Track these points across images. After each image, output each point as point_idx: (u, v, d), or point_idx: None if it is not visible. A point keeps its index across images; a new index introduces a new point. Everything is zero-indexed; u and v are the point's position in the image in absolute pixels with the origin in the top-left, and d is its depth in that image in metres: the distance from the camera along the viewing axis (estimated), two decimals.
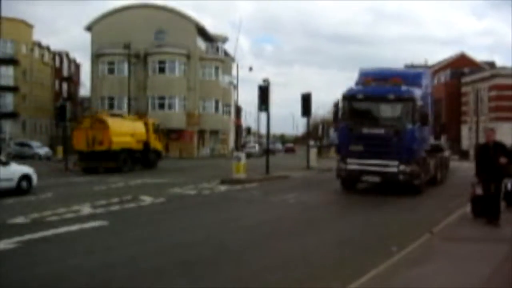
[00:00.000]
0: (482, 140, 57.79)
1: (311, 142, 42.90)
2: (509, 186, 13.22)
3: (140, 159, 33.69)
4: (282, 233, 11.93)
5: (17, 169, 19.90)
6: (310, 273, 8.23)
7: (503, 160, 11.37)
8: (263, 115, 35.51)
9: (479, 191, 12.04)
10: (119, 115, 38.49)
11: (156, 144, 36.33)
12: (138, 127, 34.75)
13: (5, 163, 19.48)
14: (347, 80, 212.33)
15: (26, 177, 19.68)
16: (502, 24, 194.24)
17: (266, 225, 13.07)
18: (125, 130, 32.60)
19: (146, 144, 34.50)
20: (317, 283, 7.60)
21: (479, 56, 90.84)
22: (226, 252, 9.80)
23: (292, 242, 10.70)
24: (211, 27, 63.81)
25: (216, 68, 62.04)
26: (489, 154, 11.66)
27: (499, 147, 11.84)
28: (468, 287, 6.96)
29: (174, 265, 8.71)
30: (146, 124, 35.67)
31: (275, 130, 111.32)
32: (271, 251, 9.88)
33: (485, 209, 11.76)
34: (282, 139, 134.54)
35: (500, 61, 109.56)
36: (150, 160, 34.65)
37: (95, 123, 31.14)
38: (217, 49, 65.12)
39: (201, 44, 62.49)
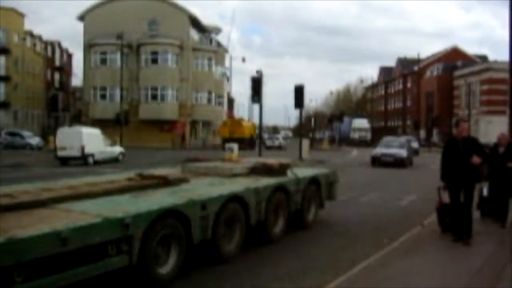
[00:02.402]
0: (477, 133, 58.51)
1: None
2: (484, 191, 10.94)
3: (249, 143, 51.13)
4: (410, 172, 12.09)
5: None
6: (303, 265, 8.28)
7: (475, 159, 8.93)
8: (255, 107, 35.70)
9: (446, 199, 9.61)
10: (242, 119, 61.94)
11: (254, 135, 55.57)
12: (249, 126, 58.48)
13: None
14: (337, 72, 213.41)
15: None
16: (491, 17, 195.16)
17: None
18: (246, 127, 55.92)
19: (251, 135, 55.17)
20: (309, 275, 7.65)
21: (468, 49, 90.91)
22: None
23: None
24: (201, 19, 63.26)
25: (209, 59, 61.92)
26: (458, 151, 9.11)
27: (470, 143, 9.28)
28: (458, 278, 7.04)
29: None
30: (252, 124, 59.53)
31: (267, 121, 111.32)
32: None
33: (454, 222, 9.29)
34: (275, 130, 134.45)
35: (488, 54, 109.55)
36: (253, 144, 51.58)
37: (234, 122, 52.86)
38: (210, 40, 65.01)
39: (194, 35, 62.33)
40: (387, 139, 37.64)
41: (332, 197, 12.23)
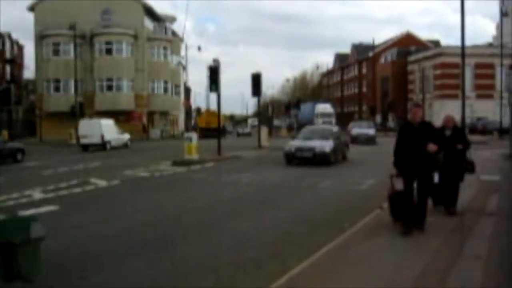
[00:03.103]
0: (432, 117, 59.64)
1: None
2: (435, 178, 10.03)
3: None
4: (236, 212, 12.01)
5: None
6: (266, 251, 8.32)
7: (432, 147, 8.56)
8: (212, 95, 35.65)
9: (399, 186, 9.10)
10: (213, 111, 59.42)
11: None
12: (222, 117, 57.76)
13: None
14: (292, 60, 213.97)
15: None
16: (441, 2, 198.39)
17: (220, 205, 13.13)
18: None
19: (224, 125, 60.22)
20: (273, 261, 7.70)
21: (420, 34, 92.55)
22: (181, 233, 9.82)
23: (247, 221, 10.80)
24: (155, 8, 62.44)
25: (165, 49, 61.32)
26: (413, 137, 8.69)
27: (426, 128, 8.86)
28: (419, 259, 7.20)
29: (130, 247, 8.70)
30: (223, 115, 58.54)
31: (225, 110, 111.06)
32: (226, 231, 9.95)
33: (407, 211, 8.75)
34: (232, 119, 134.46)
35: (440, 39, 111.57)
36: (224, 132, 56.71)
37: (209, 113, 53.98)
38: (165, 29, 64.30)
39: (149, 24, 61.55)
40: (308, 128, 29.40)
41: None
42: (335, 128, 28.60)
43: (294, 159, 23.12)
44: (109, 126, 38.78)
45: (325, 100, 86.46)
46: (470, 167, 10.65)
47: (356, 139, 40.08)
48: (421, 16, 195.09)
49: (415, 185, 8.77)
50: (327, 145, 22.89)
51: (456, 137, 10.37)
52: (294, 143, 23.98)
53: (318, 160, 22.43)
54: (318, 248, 7.91)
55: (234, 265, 7.52)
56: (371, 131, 42.71)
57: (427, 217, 8.96)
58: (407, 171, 8.75)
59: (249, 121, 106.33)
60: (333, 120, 70.65)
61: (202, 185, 17.21)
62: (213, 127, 49.15)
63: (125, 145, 40.00)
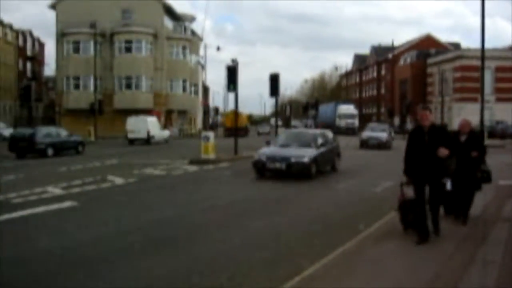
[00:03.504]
0: (450, 120, 59.21)
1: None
2: (448, 185, 9.36)
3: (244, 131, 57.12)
4: (252, 212, 12.08)
5: None
6: (279, 251, 8.38)
7: (443, 151, 8.09)
8: (230, 95, 35.85)
9: (409, 194, 8.73)
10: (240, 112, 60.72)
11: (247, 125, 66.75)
12: (244, 117, 65.34)
13: None
14: (310, 60, 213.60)
15: None
16: (461, 4, 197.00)
17: (237, 204, 13.21)
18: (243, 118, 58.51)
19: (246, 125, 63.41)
20: (286, 261, 7.75)
21: (440, 36, 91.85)
22: (197, 231, 9.91)
23: (262, 221, 10.86)
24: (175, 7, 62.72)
25: (184, 48, 61.55)
26: (423, 142, 8.25)
27: (436, 133, 8.37)
28: (432, 263, 7.20)
29: (145, 244, 8.80)
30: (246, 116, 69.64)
31: (243, 109, 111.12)
32: (242, 230, 10.02)
33: (419, 220, 8.38)
34: (250, 119, 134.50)
35: (460, 41, 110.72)
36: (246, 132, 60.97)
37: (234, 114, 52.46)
38: (184, 28, 64.56)
39: (168, 23, 61.85)
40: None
41: None
42: (324, 132, 22.58)
43: (266, 170, 18.52)
44: (153, 123, 43.85)
45: (348, 101, 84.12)
46: (485, 176, 10.00)
47: (365, 143, 37.94)
48: (440, 18, 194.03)
49: (427, 191, 8.40)
50: (307, 154, 18.29)
51: (472, 143, 9.78)
52: (266, 151, 19.26)
53: (295, 172, 17.92)
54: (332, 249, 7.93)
55: (247, 265, 7.59)
56: (383, 135, 38.70)
57: (440, 224, 8.67)
58: (417, 177, 8.36)
59: (271, 120, 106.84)
60: (356, 121, 68.65)
61: (218, 185, 17.31)
62: (238, 127, 50.72)
63: (166, 141, 44.60)
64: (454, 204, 9.83)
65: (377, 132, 39.65)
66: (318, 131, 23.72)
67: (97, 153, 31.49)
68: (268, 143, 21.17)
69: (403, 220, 9.00)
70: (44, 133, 30.19)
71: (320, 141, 19.94)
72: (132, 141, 41.74)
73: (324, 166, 19.77)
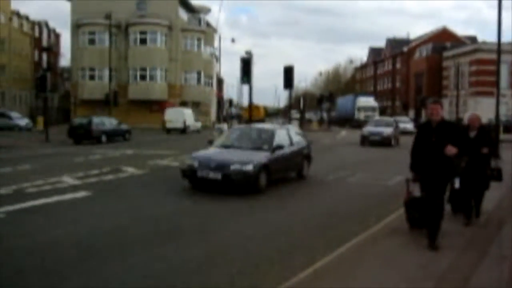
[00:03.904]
0: (465, 115, 58.68)
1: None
2: (456, 184, 8.51)
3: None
4: (258, 207, 12.10)
5: None
6: (291, 245, 8.42)
7: (450, 149, 7.47)
8: (245, 87, 35.95)
9: (416, 192, 8.40)
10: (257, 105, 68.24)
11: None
12: (262, 109, 69.34)
13: None
14: (324, 52, 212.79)
15: None
16: None
17: (241, 197, 13.09)
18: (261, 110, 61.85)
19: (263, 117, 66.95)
20: (299, 252, 7.79)
21: (456, 29, 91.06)
22: (212, 221, 9.99)
23: (277, 212, 10.90)
24: None
25: (198, 40, 61.56)
26: (430, 139, 7.71)
27: (446, 129, 7.76)
28: (443, 258, 7.20)
29: (160, 234, 8.87)
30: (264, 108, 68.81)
31: (257, 102, 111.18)
32: (256, 222, 10.09)
33: (424, 218, 8.00)
34: (266, 112, 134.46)
35: (476, 34, 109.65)
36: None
37: (253, 107, 51.88)
38: (199, 20, 64.58)
39: (183, 15, 61.89)
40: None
41: None
42: (288, 129, 17.54)
43: (198, 181, 13.73)
44: (189, 114, 48.14)
45: (368, 93, 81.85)
46: (496, 174, 9.65)
47: (366, 140, 33.42)
48: (456, 11, 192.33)
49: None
50: (254, 160, 13.62)
51: (482, 139, 9.34)
52: (200, 154, 14.66)
53: (236, 184, 13.23)
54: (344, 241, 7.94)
55: (259, 255, 7.63)
56: (387, 130, 33.81)
57: (441, 228, 7.83)
58: (424, 175, 7.88)
59: (292, 113, 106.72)
60: (377, 114, 64.68)
61: None
62: (256, 119, 52.77)
63: (198, 131, 47.88)
64: (462, 202, 9.40)
65: (381, 127, 34.78)
66: (278, 127, 17.92)
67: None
68: (210, 143, 17.28)
69: (409, 218, 8.72)
70: (99, 122, 33.72)
71: (278, 141, 15.26)
72: (169, 131, 45.57)
73: (283, 173, 15.55)
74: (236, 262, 7.29)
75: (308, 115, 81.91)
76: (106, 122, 34.65)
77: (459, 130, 8.00)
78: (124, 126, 36.22)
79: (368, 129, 34.86)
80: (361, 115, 65.71)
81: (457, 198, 9.39)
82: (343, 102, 73.88)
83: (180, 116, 46.52)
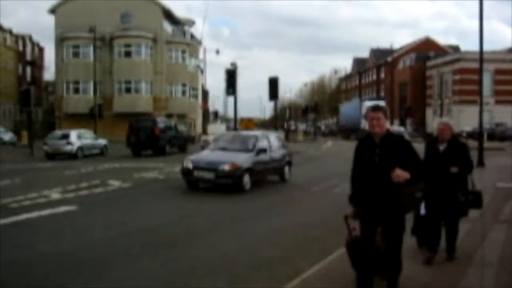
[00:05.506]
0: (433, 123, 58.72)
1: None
2: (422, 210, 7.39)
3: None
4: (242, 217, 12.09)
5: None
6: (277, 256, 8.40)
7: (399, 175, 5.33)
8: (230, 99, 35.87)
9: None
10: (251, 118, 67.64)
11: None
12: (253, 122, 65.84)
13: None
14: (307, 63, 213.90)
15: None
16: (454, 6, 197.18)
17: (230, 208, 13.18)
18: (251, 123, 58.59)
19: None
20: (285, 265, 7.77)
21: (438, 39, 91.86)
22: (194, 235, 9.94)
23: (261, 223, 10.87)
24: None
25: (183, 52, 61.56)
26: (373, 159, 5.60)
27: (393, 144, 5.62)
28: (429, 267, 7.19)
29: (143, 248, 8.80)
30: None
31: (242, 114, 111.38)
32: (238, 232, 10.06)
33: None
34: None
35: (459, 45, 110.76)
36: None
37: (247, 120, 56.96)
38: (184, 32, 64.64)
39: (168, 27, 61.89)
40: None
41: None
42: (269, 136, 18.96)
43: (196, 181, 15.86)
44: (218, 127, 57.69)
45: (376, 98, 74.10)
46: (472, 199, 7.54)
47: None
48: (435, 20, 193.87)
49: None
50: (239, 161, 15.45)
51: (453, 154, 7.32)
52: (193, 157, 16.92)
53: (230, 183, 15.18)
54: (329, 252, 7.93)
55: (247, 266, 7.60)
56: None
57: (402, 270, 5.87)
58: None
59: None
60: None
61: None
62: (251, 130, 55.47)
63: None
64: (430, 233, 7.38)
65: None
66: (261, 133, 19.71)
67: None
68: (203, 148, 19.20)
69: (353, 264, 6.12)
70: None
71: (261, 145, 16.79)
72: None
73: (266, 175, 17.20)
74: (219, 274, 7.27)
75: (302, 126, 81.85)
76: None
77: (410, 146, 5.72)
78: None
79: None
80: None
81: (424, 228, 7.48)
82: (347, 109, 70.35)
83: (218, 130, 51.17)
